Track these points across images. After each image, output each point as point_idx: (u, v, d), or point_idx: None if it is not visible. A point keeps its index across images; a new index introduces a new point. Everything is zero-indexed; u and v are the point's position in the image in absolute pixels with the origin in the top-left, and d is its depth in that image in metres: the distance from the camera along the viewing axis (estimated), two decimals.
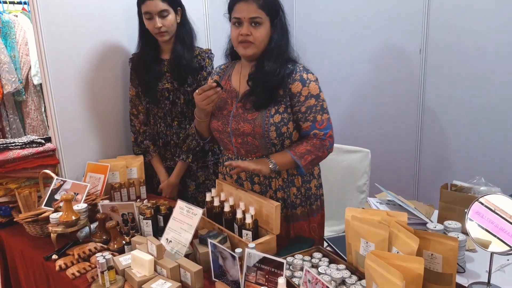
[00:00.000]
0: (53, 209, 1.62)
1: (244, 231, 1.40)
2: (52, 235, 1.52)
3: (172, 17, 1.85)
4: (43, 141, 1.90)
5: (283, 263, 1.11)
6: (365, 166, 2.19)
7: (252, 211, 1.43)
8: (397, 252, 1.15)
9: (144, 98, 2.01)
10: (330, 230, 2.23)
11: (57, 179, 1.71)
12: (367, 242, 1.22)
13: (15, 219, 1.65)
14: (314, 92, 1.50)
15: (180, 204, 1.43)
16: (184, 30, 1.92)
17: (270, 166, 1.49)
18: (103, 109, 2.12)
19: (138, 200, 1.95)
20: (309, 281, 1.06)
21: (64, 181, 1.71)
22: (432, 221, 1.48)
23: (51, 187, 1.69)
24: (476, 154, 2.66)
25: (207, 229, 1.51)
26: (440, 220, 1.59)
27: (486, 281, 1.24)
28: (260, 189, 1.62)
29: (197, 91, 1.50)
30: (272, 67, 1.49)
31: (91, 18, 2.00)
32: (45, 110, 3.17)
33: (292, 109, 1.51)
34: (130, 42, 2.08)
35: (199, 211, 1.36)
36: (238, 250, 1.22)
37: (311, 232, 1.68)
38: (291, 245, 1.49)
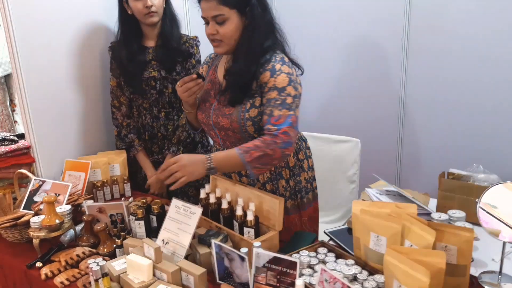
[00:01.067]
0: (33, 212, 1.49)
1: (245, 229, 1.32)
2: (34, 240, 1.39)
3: None
4: (16, 138, 1.74)
5: (296, 263, 1.04)
6: (355, 156, 2.16)
7: (252, 207, 1.35)
8: (411, 246, 1.12)
9: (127, 88, 1.89)
10: (321, 221, 2.20)
11: (35, 179, 1.58)
12: (378, 236, 1.18)
13: None
14: (279, 85, 1.36)
15: (175, 202, 1.34)
16: (170, 13, 1.83)
17: (207, 165, 1.35)
18: (81, 102, 1.98)
19: (123, 198, 1.83)
20: (326, 280, 1.00)
21: (43, 181, 1.57)
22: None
23: (29, 188, 1.56)
24: (460, 140, 2.70)
25: (204, 227, 1.43)
26: (439, 209, 1.58)
27: (493, 269, 1.24)
28: (248, 181, 1.56)
29: (178, 82, 1.44)
30: (244, 62, 1.40)
31: (66, 4, 1.85)
32: (10, 104, 2.97)
33: (260, 97, 1.43)
34: (109, 29, 1.95)
35: (198, 210, 1.28)
36: (244, 249, 1.15)
37: (302, 226, 1.63)
38: (292, 241, 1.43)
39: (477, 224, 1.38)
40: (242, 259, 1.09)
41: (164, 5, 1.81)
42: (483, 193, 1.17)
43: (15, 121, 2.98)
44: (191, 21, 2.43)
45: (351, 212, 2.17)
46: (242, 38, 1.41)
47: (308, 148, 1.68)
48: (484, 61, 2.51)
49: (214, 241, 1.15)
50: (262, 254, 1.09)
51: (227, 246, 1.12)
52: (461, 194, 1.50)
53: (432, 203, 1.70)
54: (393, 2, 2.73)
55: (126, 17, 1.78)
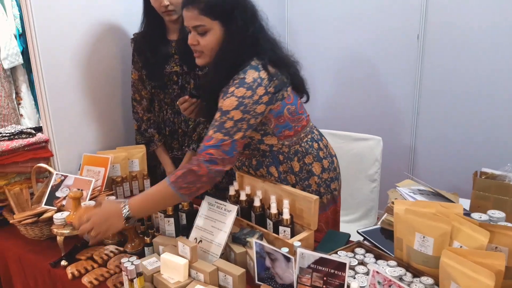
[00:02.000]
0: (55, 208, 1.43)
1: (281, 228, 1.28)
2: (58, 238, 1.33)
3: None
4: (33, 132, 1.68)
5: (345, 264, 1.00)
6: (377, 154, 2.11)
7: (287, 205, 1.30)
8: (460, 247, 1.07)
9: (149, 82, 1.83)
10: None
11: (57, 173, 1.52)
12: (424, 237, 1.14)
13: (10, 221, 1.45)
14: (224, 108, 1.25)
15: (208, 200, 1.29)
16: None
17: (123, 214, 1.19)
18: (101, 95, 1.91)
19: None
20: (379, 282, 0.96)
21: (65, 176, 1.51)
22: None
23: (51, 183, 1.50)
24: (477, 139, 2.67)
25: (235, 225, 1.38)
26: (473, 209, 1.53)
27: None
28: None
29: (178, 101, 1.48)
30: (215, 77, 1.33)
31: None
32: (16, 97, 2.89)
33: None
34: (132, 20, 1.87)
35: (233, 208, 1.23)
36: (285, 249, 1.10)
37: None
38: (326, 241, 1.38)
39: None
40: (288, 259, 1.04)
41: None
42: None
43: (21, 115, 2.91)
44: None
45: (371, 212, 2.17)
46: (219, 51, 1.32)
47: (321, 149, 1.54)
48: (504, 58, 2.48)
49: (256, 240, 1.10)
50: (307, 254, 1.05)
51: (270, 246, 1.07)
52: (497, 194, 1.46)
53: (461, 203, 1.66)
54: (409, 0, 2.70)
55: (150, 9, 1.71)
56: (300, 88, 1.47)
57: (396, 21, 2.78)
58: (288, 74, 1.38)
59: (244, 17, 1.29)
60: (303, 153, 1.47)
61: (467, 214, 1.40)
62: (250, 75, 1.27)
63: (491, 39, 2.49)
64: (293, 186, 1.49)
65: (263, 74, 1.28)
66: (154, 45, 1.75)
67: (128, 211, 1.19)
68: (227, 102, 1.25)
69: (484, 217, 1.33)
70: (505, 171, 1.53)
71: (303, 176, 1.49)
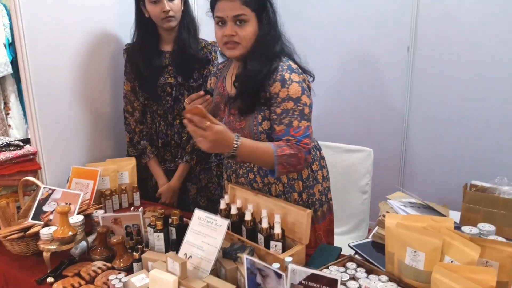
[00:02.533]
0: (42, 222, 1.40)
1: (272, 242, 1.26)
2: (44, 254, 1.30)
3: (179, 1, 1.68)
4: (21, 144, 1.65)
5: (336, 280, 0.99)
6: (368, 166, 2.12)
7: (278, 219, 1.29)
8: (451, 262, 1.07)
9: (141, 94, 1.82)
10: None
11: (44, 187, 1.49)
12: (415, 251, 1.13)
13: None
14: (294, 95, 1.34)
15: (198, 213, 1.27)
16: (189, 18, 1.76)
17: (233, 147, 1.25)
18: (91, 106, 1.90)
19: (132, 208, 1.75)
20: None
21: (53, 190, 1.49)
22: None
23: (38, 197, 1.47)
24: (467, 151, 2.70)
25: (225, 240, 1.36)
26: (463, 222, 1.54)
27: None
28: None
29: (186, 100, 1.41)
30: (256, 67, 1.36)
31: (76, 6, 1.78)
32: (4, 108, 2.85)
33: (269, 108, 1.39)
34: (123, 30, 1.88)
35: (224, 222, 1.21)
36: (276, 265, 1.09)
37: (316, 240, 1.58)
38: (317, 255, 1.37)
39: (506, 238, 1.36)
40: (279, 275, 1.03)
41: (182, 8, 1.75)
42: None
43: (9, 125, 2.87)
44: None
45: (362, 224, 2.17)
46: (256, 42, 1.38)
47: (323, 158, 1.63)
48: (494, 72, 2.51)
49: (247, 256, 1.09)
50: (298, 270, 1.03)
51: (262, 262, 1.06)
52: (487, 206, 1.47)
53: (451, 215, 1.67)
54: (400, 12, 2.73)
55: (143, 20, 1.71)
56: None
57: (387, 33, 2.81)
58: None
59: (273, 11, 1.40)
60: (312, 160, 1.49)
61: (457, 227, 1.40)
62: (287, 61, 1.38)
63: (480, 54, 2.53)
64: (299, 194, 1.51)
65: (295, 66, 1.39)
66: (147, 56, 1.74)
67: (237, 146, 1.24)
68: (292, 90, 1.34)
69: (474, 230, 1.34)
70: (494, 184, 1.54)
71: (309, 184, 1.52)
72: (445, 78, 2.68)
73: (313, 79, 1.49)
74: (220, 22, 1.36)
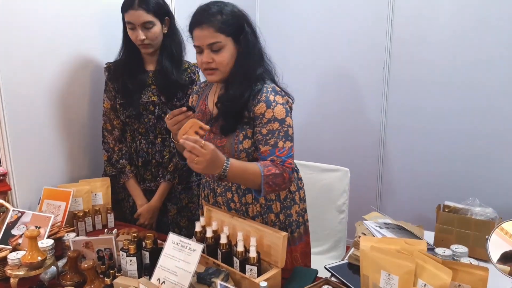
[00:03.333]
0: (10, 247, 1.36)
1: (248, 266, 1.25)
2: (12, 280, 1.25)
3: (157, 29, 1.68)
4: None
5: None
6: (345, 185, 2.13)
7: (254, 242, 1.28)
8: (424, 285, 1.08)
9: (122, 111, 1.79)
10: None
11: (13, 210, 1.44)
12: (389, 275, 1.14)
13: None
14: (279, 116, 1.36)
15: (172, 237, 1.26)
16: (172, 41, 1.75)
17: (223, 168, 1.25)
18: (64, 125, 1.86)
19: (106, 230, 1.71)
20: None
21: (23, 213, 1.44)
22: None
23: (7, 220, 1.42)
24: (441, 172, 2.75)
25: (200, 264, 1.34)
26: (437, 243, 1.56)
27: None
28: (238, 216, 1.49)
29: (167, 115, 1.39)
30: (237, 90, 1.38)
31: (52, 24, 1.76)
32: None
33: (253, 129, 1.41)
34: (101, 50, 1.87)
35: (198, 247, 1.20)
36: None
37: (293, 262, 1.57)
38: (293, 278, 1.37)
39: (478, 259, 1.39)
40: None
41: (163, 33, 1.73)
42: (493, 231, 1.16)
43: None
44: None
45: (340, 243, 2.17)
46: (236, 66, 1.39)
47: (300, 179, 1.64)
48: (466, 93, 2.59)
49: (220, 282, 1.07)
50: None
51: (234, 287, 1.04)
52: (460, 227, 1.50)
53: (426, 236, 1.69)
54: (375, 34, 2.80)
55: (128, 40, 1.71)
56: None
57: (362, 54, 2.88)
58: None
59: (252, 32, 1.41)
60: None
61: (431, 248, 1.42)
62: (270, 84, 1.41)
63: (453, 75, 2.61)
64: (277, 215, 1.51)
65: (278, 88, 1.42)
66: (132, 73, 1.73)
67: (228, 166, 1.24)
68: (278, 111, 1.36)
69: (447, 252, 1.36)
70: (467, 205, 1.57)
71: (287, 204, 1.52)
72: (420, 97, 2.74)
73: (293, 102, 1.51)
74: (198, 49, 1.38)
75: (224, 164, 1.25)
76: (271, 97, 1.37)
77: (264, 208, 1.51)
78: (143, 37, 1.64)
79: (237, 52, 1.38)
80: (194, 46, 1.38)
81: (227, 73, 1.39)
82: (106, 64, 1.83)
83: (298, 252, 1.58)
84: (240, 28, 1.37)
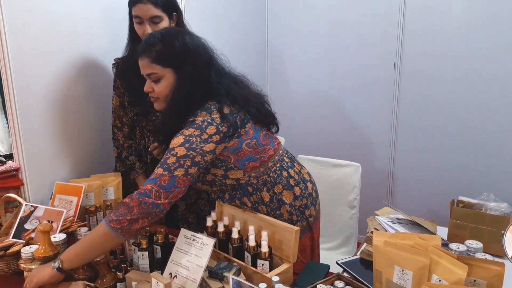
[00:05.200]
0: (23, 241, 1.37)
1: (259, 261, 1.25)
2: (25, 273, 1.27)
3: (165, 24, 1.66)
4: (3, 159, 1.62)
5: None
6: (356, 181, 2.11)
7: (266, 237, 1.28)
8: (439, 281, 1.06)
9: (131, 108, 1.79)
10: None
11: (26, 204, 1.45)
12: (402, 270, 1.12)
13: None
14: (171, 145, 1.28)
15: (184, 232, 1.26)
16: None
17: (53, 264, 1.20)
18: (75, 121, 1.87)
19: None
20: None
21: (35, 207, 1.45)
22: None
23: (20, 215, 1.43)
24: (454, 166, 2.72)
25: (212, 258, 1.34)
26: (450, 238, 1.54)
27: None
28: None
29: (150, 148, 1.48)
30: (167, 121, 1.39)
31: (63, 20, 1.76)
32: None
33: None
34: (110, 46, 1.86)
35: (210, 241, 1.19)
36: (263, 285, 1.08)
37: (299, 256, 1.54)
38: (305, 273, 1.36)
39: (493, 254, 1.36)
40: None
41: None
42: (510, 225, 1.13)
43: None
44: None
45: (351, 239, 2.16)
46: (171, 95, 1.36)
47: (292, 177, 1.51)
48: (479, 87, 2.55)
49: (232, 276, 1.07)
50: None
51: (248, 282, 1.04)
52: (474, 223, 1.47)
53: (439, 231, 1.67)
54: (386, 27, 2.77)
55: (135, 34, 1.70)
56: (266, 122, 1.49)
57: (374, 48, 2.85)
58: (248, 111, 1.41)
59: (196, 64, 1.33)
60: (272, 183, 1.46)
61: (445, 244, 1.40)
62: (201, 116, 1.31)
63: (466, 69, 2.57)
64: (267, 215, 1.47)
65: (215, 115, 1.31)
66: (138, 72, 1.72)
67: (58, 259, 1.20)
68: (174, 141, 1.29)
69: (462, 247, 1.34)
70: (481, 200, 1.55)
71: (274, 206, 1.48)
72: (432, 92, 2.71)
73: (277, 130, 1.54)
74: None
75: (52, 265, 1.20)
76: (183, 130, 1.31)
77: (253, 210, 1.45)
78: (150, 31, 1.63)
79: (177, 82, 1.34)
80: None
81: (168, 102, 1.37)
82: (114, 60, 1.83)
83: (298, 250, 1.52)
84: (179, 59, 1.32)
